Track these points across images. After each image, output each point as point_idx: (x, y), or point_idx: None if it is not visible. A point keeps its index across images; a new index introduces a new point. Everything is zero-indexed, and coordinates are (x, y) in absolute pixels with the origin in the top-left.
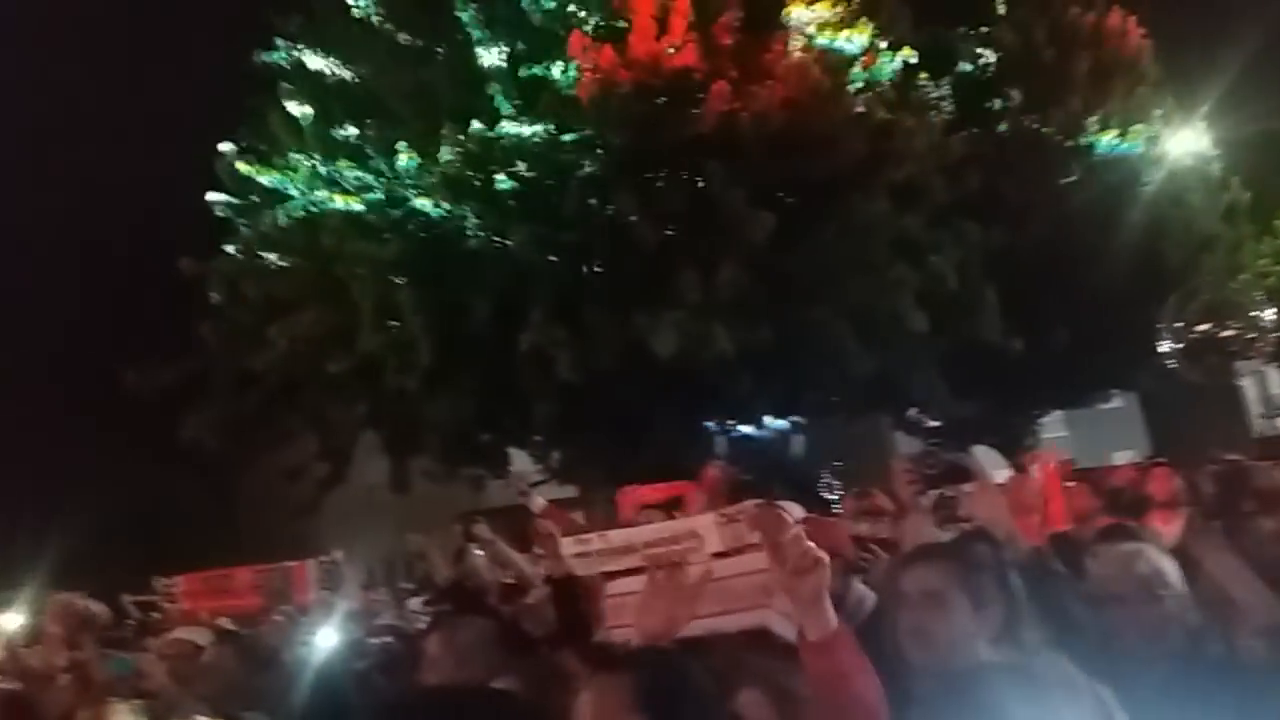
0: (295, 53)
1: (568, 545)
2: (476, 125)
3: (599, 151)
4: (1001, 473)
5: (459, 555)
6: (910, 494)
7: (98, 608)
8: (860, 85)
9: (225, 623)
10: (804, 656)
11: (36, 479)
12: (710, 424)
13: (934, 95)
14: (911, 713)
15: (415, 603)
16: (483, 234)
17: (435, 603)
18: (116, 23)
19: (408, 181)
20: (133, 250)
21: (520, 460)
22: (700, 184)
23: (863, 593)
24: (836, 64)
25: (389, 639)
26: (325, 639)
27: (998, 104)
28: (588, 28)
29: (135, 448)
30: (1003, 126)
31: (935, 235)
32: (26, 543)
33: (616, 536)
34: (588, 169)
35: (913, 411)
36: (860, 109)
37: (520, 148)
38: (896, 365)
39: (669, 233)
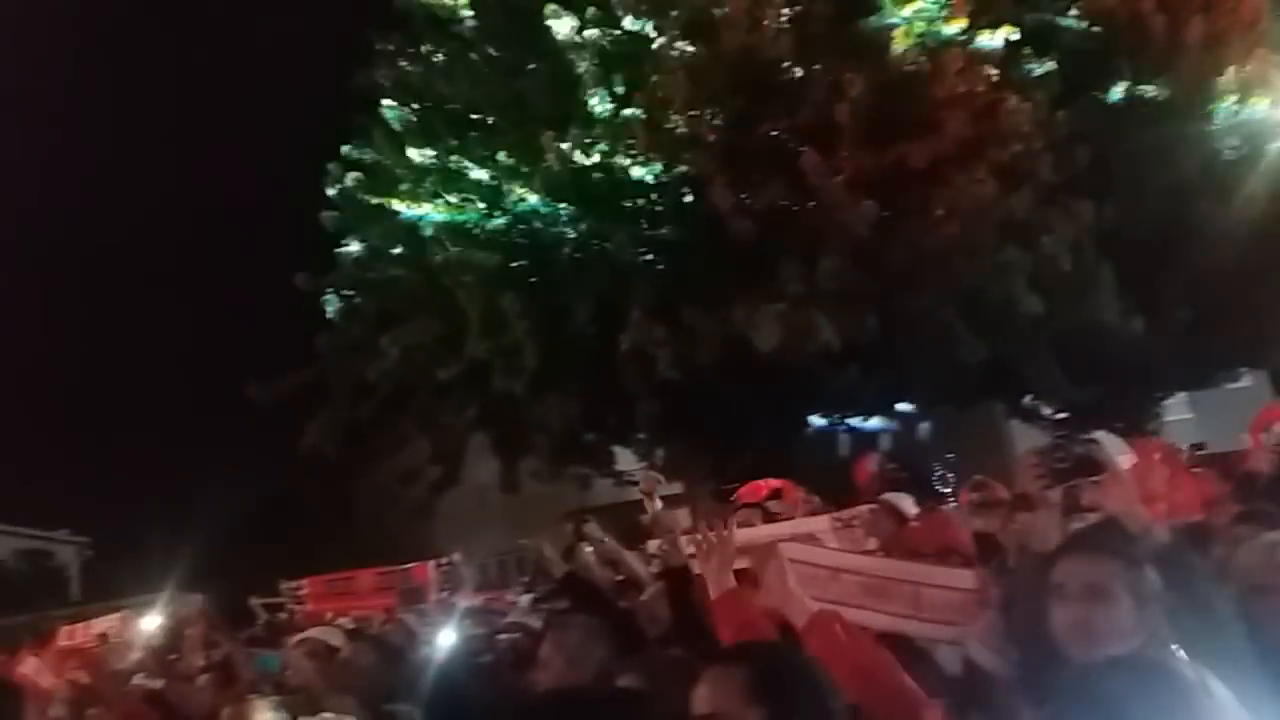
0: (396, 69)
1: (689, 544)
2: (573, 131)
3: (694, 148)
4: (1125, 459)
5: (570, 553)
6: (1039, 489)
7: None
8: (961, 65)
9: (349, 623)
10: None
11: (167, 488)
12: (815, 418)
13: (1038, 71)
14: (1053, 704)
15: (526, 600)
16: (582, 237)
17: (547, 600)
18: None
19: (508, 190)
20: (252, 269)
21: (625, 458)
22: (798, 174)
23: None
24: (935, 45)
25: (516, 635)
26: (452, 637)
27: (1106, 77)
28: (680, 24)
29: (257, 456)
30: (1113, 99)
31: (1046, 215)
32: (161, 548)
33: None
34: (683, 166)
35: (1028, 399)
36: (961, 89)
37: (615, 150)
38: (1010, 351)
39: (767, 225)
